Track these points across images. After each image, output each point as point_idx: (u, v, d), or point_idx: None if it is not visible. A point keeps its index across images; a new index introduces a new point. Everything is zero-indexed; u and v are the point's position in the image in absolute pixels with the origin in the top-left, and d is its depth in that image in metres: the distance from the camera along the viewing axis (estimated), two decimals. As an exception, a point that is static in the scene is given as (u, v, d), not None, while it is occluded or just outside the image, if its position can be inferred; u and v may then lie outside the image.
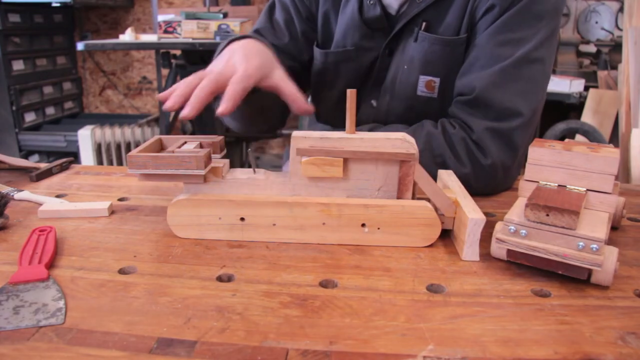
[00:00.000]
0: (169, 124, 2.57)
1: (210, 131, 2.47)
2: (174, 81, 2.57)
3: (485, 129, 0.70)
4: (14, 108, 2.64)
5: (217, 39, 2.32)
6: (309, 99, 0.96)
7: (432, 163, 0.69)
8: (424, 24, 0.78)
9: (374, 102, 0.86)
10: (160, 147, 0.61)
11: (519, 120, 0.70)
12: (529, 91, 0.72)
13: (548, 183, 0.54)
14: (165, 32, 2.46)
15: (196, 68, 0.76)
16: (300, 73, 0.88)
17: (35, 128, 2.80)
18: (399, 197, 0.56)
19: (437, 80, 0.78)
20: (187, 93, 0.60)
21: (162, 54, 2.51)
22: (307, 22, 0.88)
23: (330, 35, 0.87)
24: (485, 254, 0.53)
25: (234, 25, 2.34)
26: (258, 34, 0.87)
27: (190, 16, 2.43)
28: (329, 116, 0.94)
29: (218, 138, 0.62)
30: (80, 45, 2.35)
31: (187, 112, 0.58)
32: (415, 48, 0.79)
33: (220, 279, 0.49)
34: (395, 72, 0.82)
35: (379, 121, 0.84)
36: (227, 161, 0.60)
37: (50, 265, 0.51)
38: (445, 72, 0.78)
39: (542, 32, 0.72)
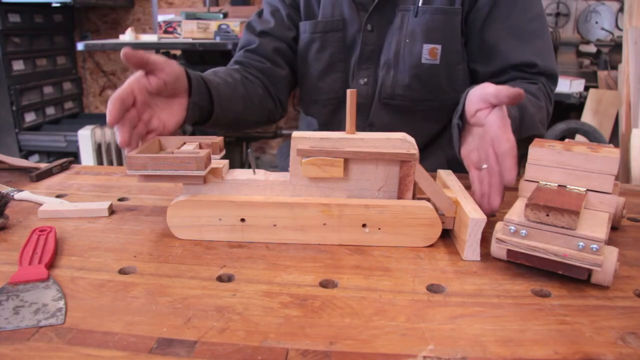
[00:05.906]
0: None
1: (210, 132, 2.46)
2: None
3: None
4: (14, 108, 2.64)
5: (217, 39, 2.31)
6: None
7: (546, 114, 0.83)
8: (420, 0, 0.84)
9: (361, 81, 0.90)
10: (159, 147, 0.61)
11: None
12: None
13: (548, 183, 0.54)
14: (165, 32, 2.46)
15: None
16: (285, 54, 0.93)
17: (35, 128, 2.79)
18: (399, 197, 0.56)
19: (439, 47, 0.84)
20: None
21: (162, 54, 2.51)
22: (290, 8, 0.94)
23: (312, 13, 0.92)
24: (486, 254, 0.53)
25: (234, 25, 2.34)
26: (249, 26, 0.95)
27: (190, 16, 2.43)
28: (311, 96, 0.96)
29: (217, 139, 0.62)
30: (80, 45, 2.35)
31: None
32: (416, 22, 0.85)
33: (220, 279, 0.49)
34: (397, 48, 0.87)
35: (385, 96, 0.88)
36: (226, 162, 0.60)
37: (50, 265, 0.51)
38: (445, 40, 0.84)
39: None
